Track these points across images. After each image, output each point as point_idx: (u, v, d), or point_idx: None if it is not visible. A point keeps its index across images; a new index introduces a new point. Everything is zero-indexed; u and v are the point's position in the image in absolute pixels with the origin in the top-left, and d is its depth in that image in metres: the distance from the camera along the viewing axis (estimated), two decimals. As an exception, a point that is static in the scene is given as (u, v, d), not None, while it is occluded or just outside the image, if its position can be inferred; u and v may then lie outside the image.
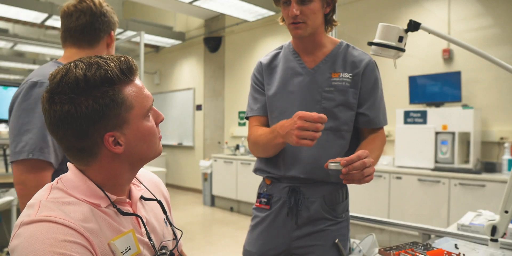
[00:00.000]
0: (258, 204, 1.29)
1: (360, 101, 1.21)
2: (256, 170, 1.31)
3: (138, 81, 0.72)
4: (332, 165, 0.95)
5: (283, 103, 1.23)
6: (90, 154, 0.68)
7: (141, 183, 0.84)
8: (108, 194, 0.71)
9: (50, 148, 1.08)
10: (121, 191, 0.74)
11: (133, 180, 0.82)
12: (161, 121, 0.76)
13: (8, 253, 2.52)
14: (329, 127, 1.18)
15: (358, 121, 1.22)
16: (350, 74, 1.19)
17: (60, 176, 0.72)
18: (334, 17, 1.24)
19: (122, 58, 0.69)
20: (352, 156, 0.95)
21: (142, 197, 0.81)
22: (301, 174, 1.20)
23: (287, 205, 1.21)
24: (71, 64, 0.66)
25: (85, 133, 0.66)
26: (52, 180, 0.72)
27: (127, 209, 0.75)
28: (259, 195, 1.30)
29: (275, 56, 1.31)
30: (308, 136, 0.97)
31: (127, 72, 0.69)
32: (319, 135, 0.97)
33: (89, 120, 0.65)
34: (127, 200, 0.75)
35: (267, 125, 1.28)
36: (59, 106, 0.64)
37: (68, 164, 0.74)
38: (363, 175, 0.97)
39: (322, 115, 0.97)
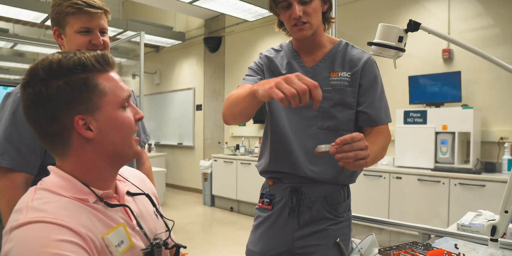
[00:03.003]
0: (260, 204, 1.30)
1: (360, 99, 1.19)
2: (261, 172, 1.31)
3: (114, 74, 0.73)
4: (321, 147, 0.87)
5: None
6: (63, 139, 0.68)
7: (126, 179, 0.84)
8: (94, 189, 0.71)
9: (10, 154, 1.08)
10: (106, 186, 0.74)
11: (118, 177, 0.82)
12: (140, 119, 0.76)
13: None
14: (327, 126, 1.18)
15: (359, 120, 1.20)
16: (349, 73, 1.18)
17: (43, 179, 0.72)
18: (331, 14, 1.22)
19: (99, 52, 0.71)
20: (346, 136, 0.86)
21: (129, 193, 0.81)
22: (300, 172, 1.20)
23: (288, 205, 1.22)
24: (50, 54, 0.69)
25: (56, 115, 0.66)
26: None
27: (116, 203, 0.75)
28: (262, 196, 1.30)
29: (276, 53, 1.29)
30: (286, 89, 0.77)
31: (102, 62, 0.70)
32: (294, 93, 0.77)
33: (60, 101, 0.66)
34: (114, 195, 0.75)
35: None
36: (32, 88, 0.66)
37: (49, 167, 0.73)
38: (356, 157, 0.86)
39: (316, 84, 0.81)
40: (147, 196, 0.84)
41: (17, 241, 0.58)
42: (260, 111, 1.35)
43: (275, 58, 1.27)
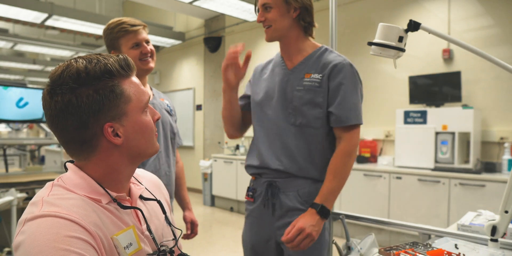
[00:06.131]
0: (246, 197, 1.44)
1: (329, 100, 1.28)
2: (246, 167, 1.45)
3: (135, 78, 0.75)
4: None
5: (263, 99, 1.39)
6: (90, 146, 0.69)
7: (140, 183, 0.85)
8: (108, 191, 0.71)
9: None
10: (121, 188, 0.75)
11: (133, 179, 0.83)
12: (157, 119, 0.79)
13: (8, 252, 2.52)
14: (299, 123, 1.30)
15: (330, 121, 1.29)
16: (320, 75, 1.29)
17: (60, 175, 0.73)
18: (310, 21, 1.32)
19: (120, 56, 0.72)
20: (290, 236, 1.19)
21: (142, 197, 0.82)
22: (274, 165, 1.31)
23: (263, 198, 1.35)
24: (71, 60, 0.69)
25: (86, 123, 0.67)
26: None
27: (128, 205, 0.75)
28: (247, 189, 1.44)
29: (269, 61, 1.46)
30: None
31: (126, 68, 0.72)
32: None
33: (90, 110, 0.66)
34: (127, 197, 0.76)
35: (242, 119, 1.48)
36: (61, 96, 0.66)
37: (67, 163, 0.74)
38: (300, 246, 1.20)
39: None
40: (159, 202, 0.84)
41: (28, 234, 0.59)
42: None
43: (266, 66, 1.46)
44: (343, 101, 1.26)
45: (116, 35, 1.42)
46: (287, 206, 1.30)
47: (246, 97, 1.49)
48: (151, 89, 1.60)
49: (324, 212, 1.21)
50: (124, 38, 1.42)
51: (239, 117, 1.45)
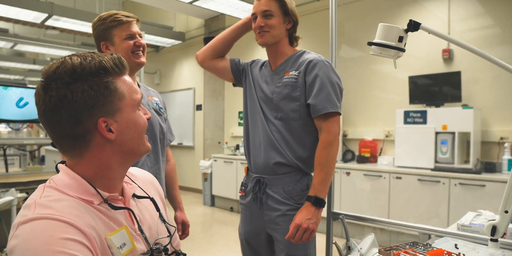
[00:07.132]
0: (240, 191, 1.53)
1: (307, 94, 1.39)
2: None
3: (127, 77, 0.76)
4: None
5: (251, 94, 1.54)
6: (83, 141, 0.69)
7: (133, 181, 0.84)
8: (100, 191, 0.71)
9: None
10: (113, 187, 0.75)
11: (126, 178, 0.83)
12: (148, 119, 0.79)
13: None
14: (280, 117, 1.42)
15: (311, 113, 1.38)
16: (298, 72, 1.42)
17: (52, 177, 0.73)
18: (296, 34, 1.49)
19: (114, 55, 0.73)
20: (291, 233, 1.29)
21: (135, 195, 0.81)
22: (264, 157, 1.43)
23: (252, 193, 1.45)
24: (66, 57, 0.69)
25: (80, 118, 0.67)
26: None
27: (120, 206, 0.75)
28: (241, 184, 1.54)
29: (264, 62, 1.59)
30: None
31: (120, 66, 0.73)
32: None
33: (84, 105, 0.67)
34: (120, 197, 0.76)
35: (220, 61, 1.64)
36: (56, 91, 0.66)
37: (59, 165, 0.74)
38: (302, 240, 1.28)
39: None
40: (152, 200, 0.84)
41: (22, 238, 0.59)
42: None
43: (261, 66, 1.59)
44: (319, 91, 1.36)
45: (109, 25, 1.37)
46: (272, 201, 1.40)
47: (239, 62, 1.63)
48: (139, 86, 1.54)
49: (319, 202, 1.29)
50: (118, 28, 1.38)
51: (226, 47, 1.62)
